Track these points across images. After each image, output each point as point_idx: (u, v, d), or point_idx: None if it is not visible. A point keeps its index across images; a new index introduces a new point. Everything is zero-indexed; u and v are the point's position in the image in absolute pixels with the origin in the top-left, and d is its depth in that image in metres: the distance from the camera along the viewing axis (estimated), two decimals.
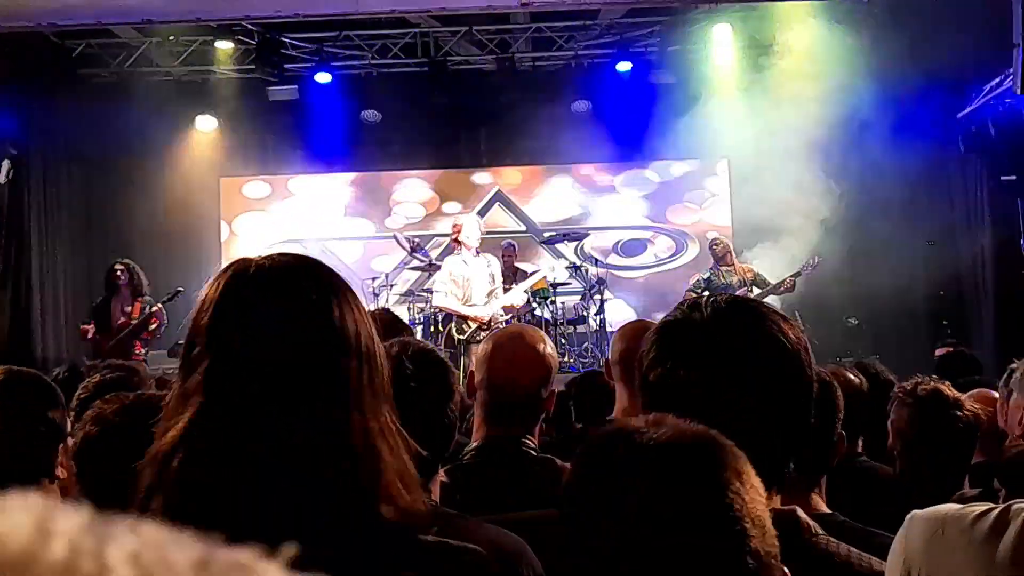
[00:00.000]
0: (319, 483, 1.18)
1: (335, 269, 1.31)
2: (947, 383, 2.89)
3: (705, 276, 9.25)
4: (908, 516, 1.24)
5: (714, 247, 9.33)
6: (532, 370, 2.42)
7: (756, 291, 8.98)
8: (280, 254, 1.29)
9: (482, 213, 11.76)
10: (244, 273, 1.25)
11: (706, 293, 8.94)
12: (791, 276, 9.03)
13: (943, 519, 1.19)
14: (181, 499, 1.16)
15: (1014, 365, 3.09)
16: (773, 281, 9.14)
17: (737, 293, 8.84)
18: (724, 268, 9.14)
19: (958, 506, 1.21)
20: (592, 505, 0.89)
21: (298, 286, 1.23)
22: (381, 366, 1.28)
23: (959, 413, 2.79)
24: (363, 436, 1.20)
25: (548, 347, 2.48)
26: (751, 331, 1.30)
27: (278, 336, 1.20)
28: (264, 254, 1.28)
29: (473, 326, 7.84)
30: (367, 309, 1.32)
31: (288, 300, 1.22)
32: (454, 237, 7.87)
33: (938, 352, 6.55)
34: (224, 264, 1.32)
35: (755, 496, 0.87)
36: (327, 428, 1.19)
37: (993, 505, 1.19)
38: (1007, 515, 1.15)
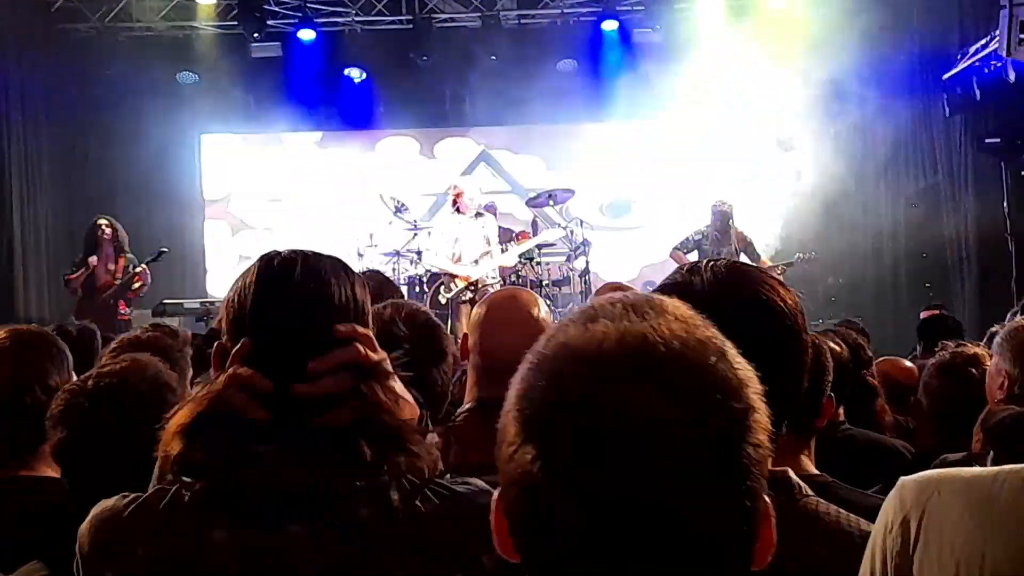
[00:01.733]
0: (339, 435, 1.34)
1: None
2: (985, 349, 2.90)
3: (696, 237, 9.21)
4: (899, 481, 1.26)
5: (716, 208, 9.25)
6: (526, 333, 2.42)
7: (744, 259, 8.98)
8: (293, 251, 1.46)
9: (467, 173, 11.74)
10: (271, 264, 1.43)
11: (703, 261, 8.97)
12: (784, 264, 9.01)
13: (937, 482, 1.21)
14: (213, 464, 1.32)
15: (994, 329, 3.12)
16: (764, 256, 9.16)
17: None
18: (718, 233, 9.11)
19: (951, 470, 1.23)
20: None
21: (320, 273, 1.42)
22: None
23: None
24: (377, 397, 1.38)
25: (542, 311, 2.48)
26: (749, 296, 1.32)
27: (308, 314, 1.38)
28: (282, 250, 1.47)
29: (460, 285, 7.89)
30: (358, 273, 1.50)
31: (314, 285, 1.40)
32: (454, 200, 7.98)
33: (922, 315, 6.61)
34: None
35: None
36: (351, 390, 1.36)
37: (987, 468, 1.21)
38: (1003, 476, 1.17)
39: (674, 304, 0.82)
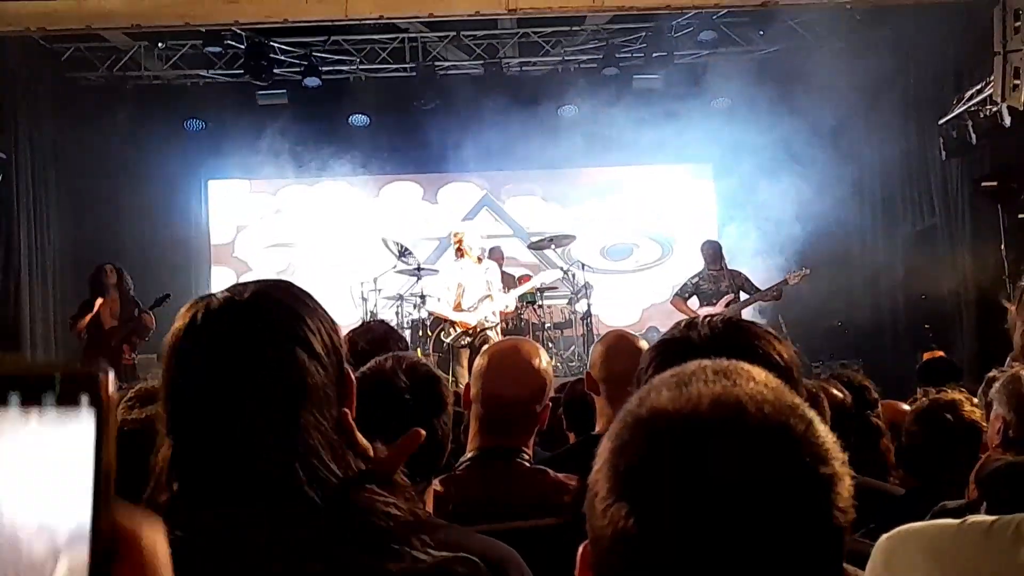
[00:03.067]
0: (295, 507, 1.21)
1: (306, 292, 1.35)
2: (964, 393, 2.97)
3: (694, 280, 9.26)
4: (878, 541, 1.28)
5: (705, 250, 9.34)
6: (527, 384, 2.47)
7: (743, 296, 9.05)
8: (244, 288, 1.32)
9: (470, 217, 11.85)
10: (204, 316, 1.28)
11: (701, 312, 9.00)
12: (778, 284, 9.06)
13: (904, 538, 1.23)
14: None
15: (992, 374, 3.17)
16: (761, 287, 9.21)
17: (724, 298, 8.92)
18: (713, 271, 9.18)
19: (920, 525, 1.27)
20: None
21: (255, 331, 1.27)
22: (335, 401, 1.30)
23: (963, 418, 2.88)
24: (328, 466, 1.23)
25: (543, 361, 2.54)
26: (745, 350, 1.37)
27: (231, 379, 1.24)
28: (229, 288, 1.33)
29: (459, 331, 7.98)
30: (339, 331, 1.35)
31: (243, 345, 1.26)
32: (456, 246, 8.08)
33: (923, 357, 6.65)
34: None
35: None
36: (287, 460, 1.21)
37: (952, 521, 1.25)
38: (965, 528, 1.21)
39: (760, 371, 0.86)
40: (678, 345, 1.42)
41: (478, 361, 2.54)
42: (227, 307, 1.28)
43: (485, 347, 2.63)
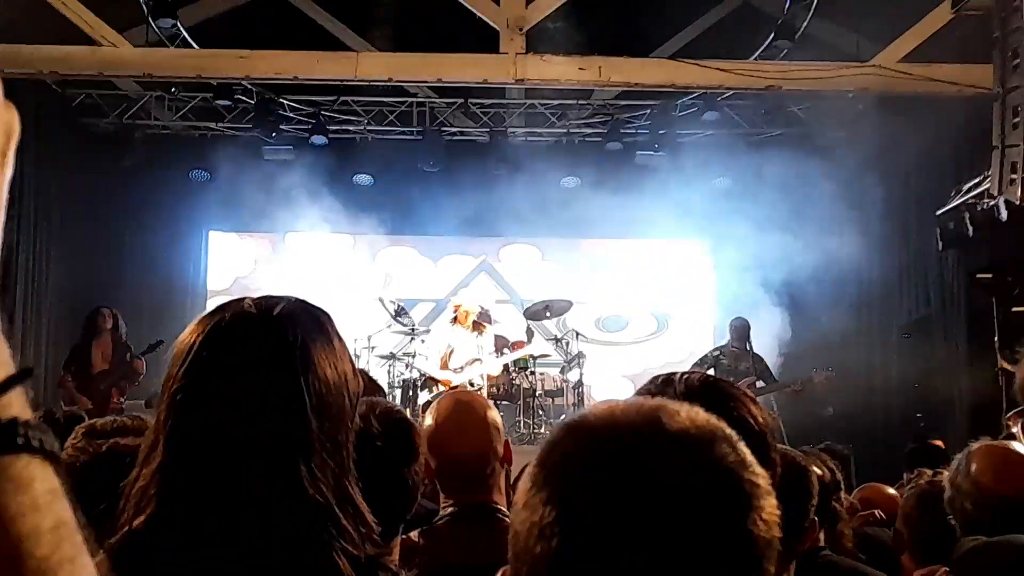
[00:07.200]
0: (271, 547, 1.20)
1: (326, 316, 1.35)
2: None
3: (715, 353, 9.13)
4: None
5: (734, 326, 9.21)
6: (476, 433, 2.45)
7: (760, 384, 8.90)
8: (259, 303, 1.33)
9: (466, 284, 11.87)
10: (216, 331, 1.29)
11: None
12: (803, 380, 8.86)
13: None
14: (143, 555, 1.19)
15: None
16: (779, 378, 9.10)
17: (746, 379, 8.65)
18: (736, 348, 9.06)
19: None
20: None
21: (263, 349, 1.27)
22: (346, 423, 1.32)
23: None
24: (316, 497, 1.23)
25: (489, 409, 2.51)
26: (720, 409, 1.36)
27: (240, 394, 1.24)
28: (244, 301, 1.33)
29: (443, 389, 7.97)
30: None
31: (253, 364, 1.26)
32: (454, 314, 8.24)
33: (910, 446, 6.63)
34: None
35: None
36: (281, 494, 1.21)
37: None
38: None
39: (698, 410, 0.88)
40: None
41: (425, 422, 2.47)
42: (251, 319, 1.29)
43: (429, 408, 2.59)
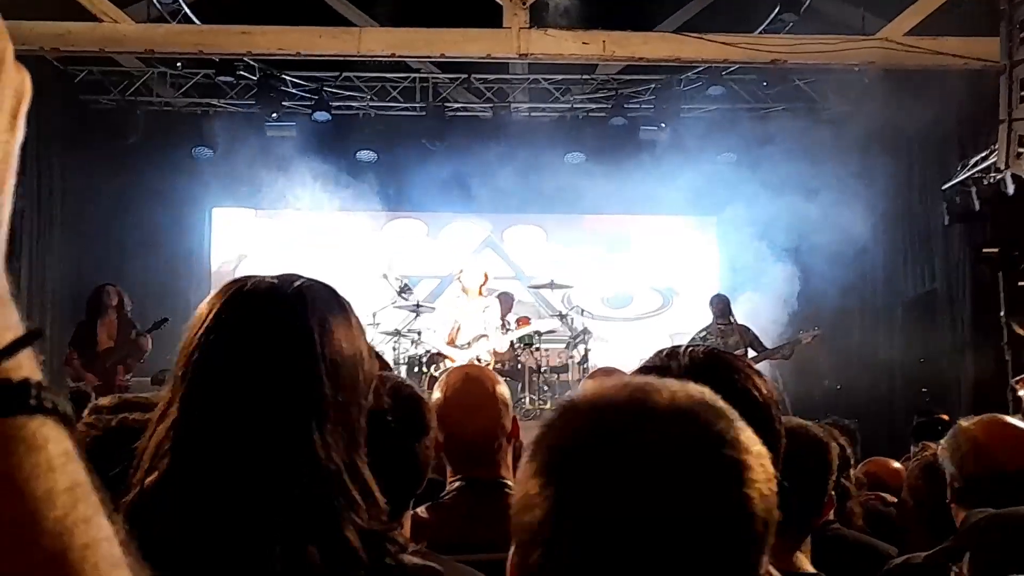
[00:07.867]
0: (282, 509, 1.21)
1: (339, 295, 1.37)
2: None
3: (701, 334, 9.18)
4: None
5: (714, 304, 9.31)
6: (485, 409, 2.45)
7: (752, 353, 8.94)
8: (281, 278, 1.36)
9: (471, 259, 11.86)
10: (237, 296, 1.32)
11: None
12: (790, 342, 9.01)
13: None
14: (152, 519, 1.20)
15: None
16: (769, 345, 9.14)
17: (735, 353, 8.75)
18: (722, 325, 9.12)
19: None
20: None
21: (283, 316, 1.30)
22: (359, 399, 1.33)
23: None
24: (328, 465, 1.24)
25: (498, 384, 2.52)
26: (723, 382, 1.35)
27: (257, 356, 1.27)
28: (266, 276, 1.36)
29: (450, 365, 7.98)
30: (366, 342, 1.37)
31: (272, 330, 1.29)
32: (462, 285, 8.35)
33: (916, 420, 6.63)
34: (212, 292, 1.39)
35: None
36: (293, 457, 1.23)
37: None
38: None
39: (694, 385, 0.90)
40: (657, 373, 1.40)
41: (434, 396, 2.47)
42: (273, 288, 1.33)
43: (437, 383, 2.59)
